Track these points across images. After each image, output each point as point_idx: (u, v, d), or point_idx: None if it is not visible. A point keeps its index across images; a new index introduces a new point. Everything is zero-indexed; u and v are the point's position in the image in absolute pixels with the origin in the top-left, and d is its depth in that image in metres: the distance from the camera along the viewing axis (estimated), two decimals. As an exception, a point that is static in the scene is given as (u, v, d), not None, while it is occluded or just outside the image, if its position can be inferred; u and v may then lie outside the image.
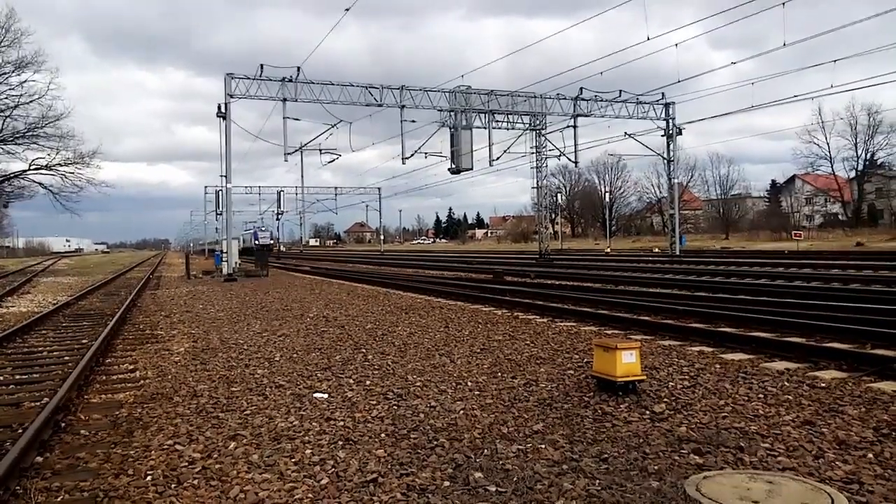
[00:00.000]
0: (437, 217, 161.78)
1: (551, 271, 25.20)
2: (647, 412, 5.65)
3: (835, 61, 22.76)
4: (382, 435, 5.24)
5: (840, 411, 5.49)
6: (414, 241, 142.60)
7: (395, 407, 6.06)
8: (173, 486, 4.29)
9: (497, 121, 34.27)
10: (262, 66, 28.50)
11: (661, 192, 77.20)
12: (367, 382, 7.09)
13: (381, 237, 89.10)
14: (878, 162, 67.27)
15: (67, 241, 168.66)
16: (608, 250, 49.80)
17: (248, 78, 28.62)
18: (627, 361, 6.10)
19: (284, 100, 29.26)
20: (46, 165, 37.39)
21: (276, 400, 6.44)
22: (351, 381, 7.20)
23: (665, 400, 6.00)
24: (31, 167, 37.64)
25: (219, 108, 28.18)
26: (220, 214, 38.06)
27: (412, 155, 32.36)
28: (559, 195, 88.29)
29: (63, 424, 5.73)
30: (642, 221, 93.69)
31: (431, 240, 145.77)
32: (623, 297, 14.30)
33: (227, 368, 8.12)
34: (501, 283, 20.52)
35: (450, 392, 6.57)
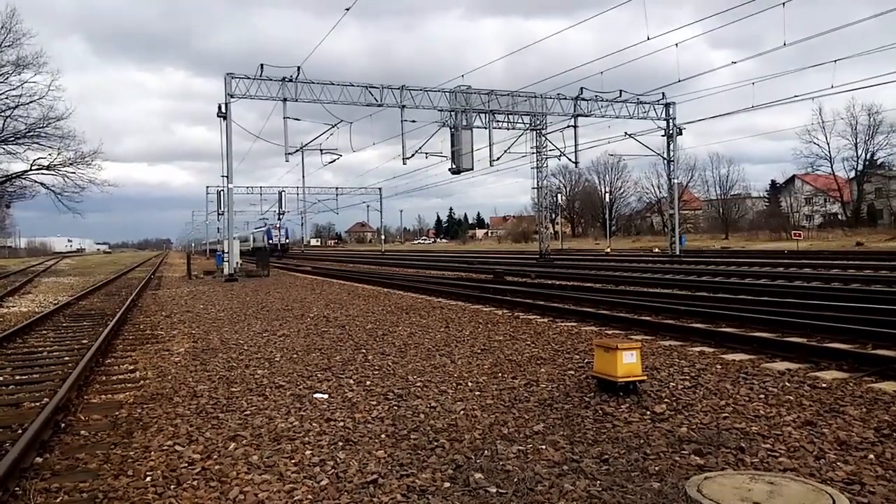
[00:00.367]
0: (438, 217, 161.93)
1: (552, 271, 25.18)
2: (648, 413, 5.64)
3: (835, 61, 22.76)
4: (383, 436, 5.23)
5: (841, 412, 5.48)
6: (415, 241, 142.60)
7: (396, 407, 6.05)
8: (173, 487, 4.28)
9: (497, 121, 34.25)
10: (262, 65, 28.52)
11: (660, 193, 77.23)
12: (368, 383, 7.08)
13: (382, 237, 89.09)
14: (878, 162, 67.25)
15: (69, 241, 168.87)
16: (608, 250, 49.77)
17: (249, 78, 28.62)
18: (628, 362, 6.09)
19: (285, 100, 29.24)
20: (48, 166, 37.34)
21: (277, 400, 6.43)
22: (351, 381, 7.19)
23: (666, 400, 5.99)
24: (33, 167, 37.60)
25: (219, 107, 28.18)
26: (222, 214, 38.08)
27: (413, 155, 32.38)
28: (559, 195, 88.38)
29: (63, 425, 5.73)
30: (642, 221, 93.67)
31: (432, 240, 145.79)
32: (623, 297, 14.29)
33: (228, 369, 8.12)
34: (502, 283, 20.50)
35: (450, 392, 6.56)
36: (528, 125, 36.19)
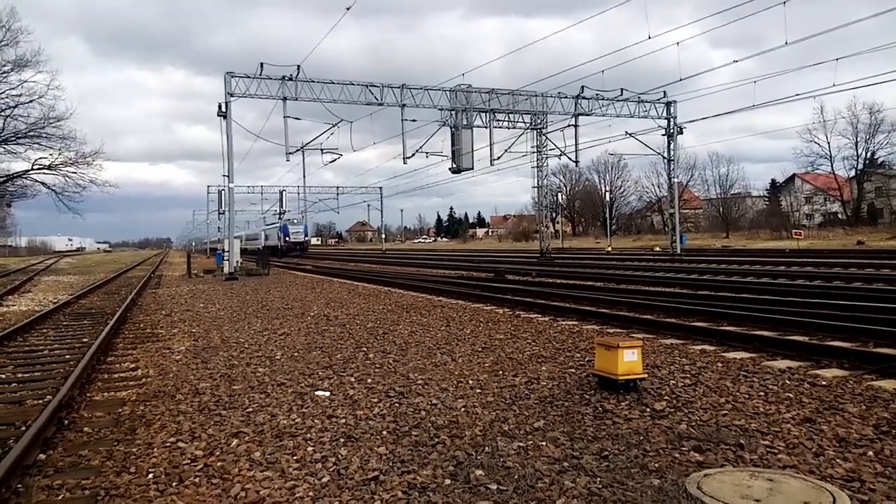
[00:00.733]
0: (439, 216, 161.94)
1: (552, 270, 25.19)
2: (649, 410, 5.65)
3: (836, 60, 22.78)
4: (384, 432, 5.24)
5: (841, 409, 5.50)
6: (415, 241, 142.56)
7: (397, 405, 6.07)
8: (175, 483, 4.30)
9: (498, 120, 34.23)
10: (262, 64, 28.51)
11: (661, 192, 77.17)
12: (369, 380, 7.10)
13: (383, 236, 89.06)
14: (879, 161, 67.17)
15: (70, 240, 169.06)
16: (609, 249, 49.76)
17: (249, 77, 28.61)
18: (629, 360, 6.11)
19: (285, 98, 29.23)
20: (49, 165, 37.36)
21: (278, 398, 6.45)
22: (352, 379, 7.21)
23: (666, 398, 6.00)
24: (34, 167, 37.63)
25: (219, 107, 28.17)
26: (223, 214, 38.07)
27: (413, 154, 32.38)
28: (560, 194, 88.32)
29: (66, 422, 5.75)
30: (643, 220, 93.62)
31: (433, 239, 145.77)
32: (624, 296, 14.30)
33: (229, 367, 8.13)
34: (503, 281, 20.51)
35: (451, 390, 6.58)
36: (528, 124, 36.19)
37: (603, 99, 34.28)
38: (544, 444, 4.89)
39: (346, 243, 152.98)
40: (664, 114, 36.48)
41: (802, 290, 14.82)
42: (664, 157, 40.04)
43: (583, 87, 33.33)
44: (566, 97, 34.08)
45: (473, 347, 8.92)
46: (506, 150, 35.46)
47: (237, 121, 28.52)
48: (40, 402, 6.49)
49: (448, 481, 4.22)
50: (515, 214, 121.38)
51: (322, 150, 33.48)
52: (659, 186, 78.08)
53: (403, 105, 30.85)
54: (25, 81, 34.49)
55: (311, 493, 4.08)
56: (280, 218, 68.22)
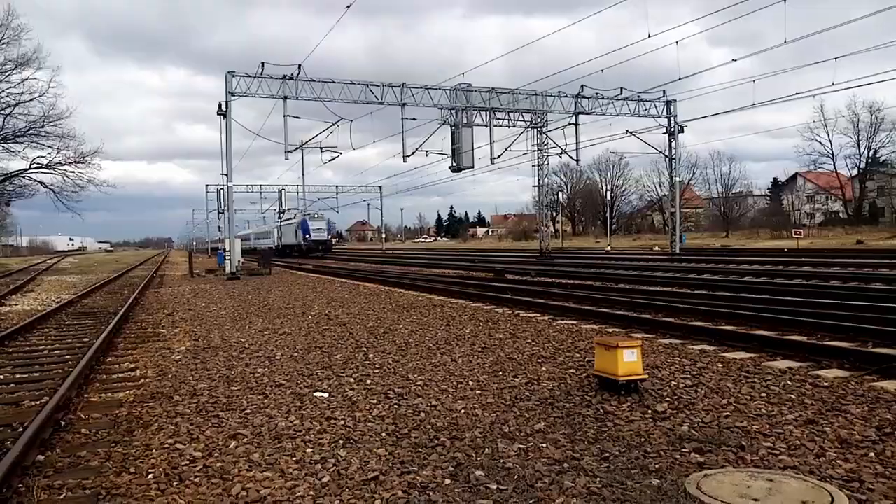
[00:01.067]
0: (439, 215, 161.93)
1: (552, 270, 25.20)
2: (649, 411, 5.65)
3: (836, 59, 22.78)
4: (383, 434, 5.24)
5: (842, 410, 5.49)
6: (416, 240, 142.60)
7: (396, 406, 6.06)
8: (175, 483, 4.30)
9: (498, 118, 34.22)
10: (262, 63, 28.48)
11: (662, 191, 77.13)
12: (368, 381, 7.09)
13: (383, 236, 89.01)
14: (881, 160, 67.16)
15: (71, 239, 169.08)
16: (609, 249, 49.77)
17: (249, 76, 28.59)
18: (629, 360, 6.10)
19: (285, 98, 29.20)
20: (47, 164, 37.40)
21: (277, 399, 6.44)
22: (352, 379, 7.20)
23: (667, 399, 5.99)
24: (33, 166, 37.66)
25: (219, 106, 28.16)
26: (223, 213, 38.07)
27: (413, 153, 32.35)
28: (560, 193, 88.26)
29: (64, 423, 5.74)
30: (643, 220, 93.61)
31: (433, 238, 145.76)
32: (624, 296, 14.30)
33: (228, 367, 8.13)
34: (502, 281, 20.51)
35: (451, 391, 6.57)
36: (528, 123, 36.16)
37: (603, 98, 34.26)
38: (544, 445, 4.88)
39: (346, 243, 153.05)
40: (664, 112, 36.46)
41: (801, 289, 14.82)
42: (665, 156, 40.04)
43: (583, 86, 33.31)
44: (566, 96, 34.05)
45: (473, 347, 8.92)
46: (506, 149, 35.47)
47: (237, 119, 28.46)
48: (38, 403, 6.48)
49: (448, 481, 4.22)
50: (516, 214, 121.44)
51: (321, 148, 33.51)
52: (660, 185, 78.08)
53: (404, 104, 30.84)
54: (26, 79, 34.56)
55: (311, 493, 4.08)
56: (280, 217, 65.39)
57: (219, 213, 49.51)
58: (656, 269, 23.71)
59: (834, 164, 67.26)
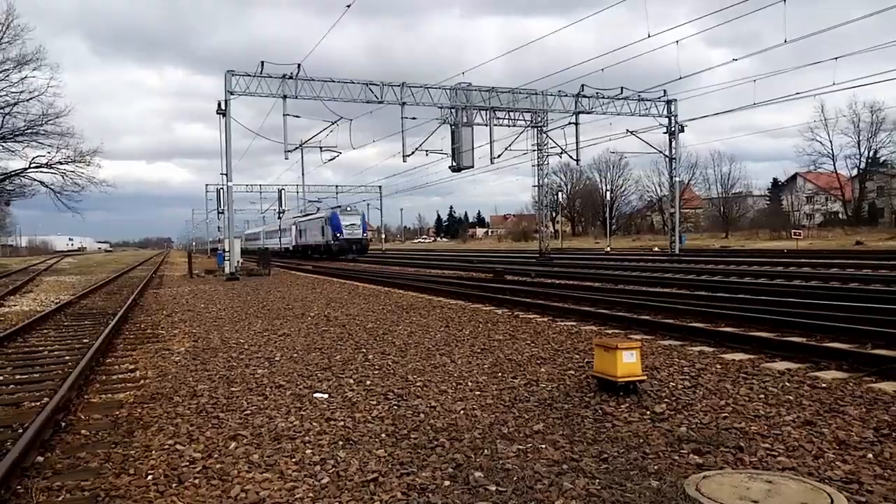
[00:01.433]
0: (438, 216, 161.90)
1: (552, 270, 25.20)
2: (648, 412, 5.65)
3: (836, 59, 22.80)
4: (383, 435, 5.25)
5: (841, 411, 5.49)
6: (415, 240, 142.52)
7: (396, 407, 6.07)
8: (174, 485, 4.30)
9: (498, 118, 34.23)
10: (262, 62, 28.51)
11: (661, 191, 77.17)
12: (368, 382, 7.10)
13: (383, 236, 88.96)
14: (881, 160, 67.19)
15: (70, 239, 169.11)
16: (608, 249, 49.79)
17: (249, 75, 28.60)
18: (628, 361, 6.10)
19: (285, 97, 29.20)
20: (47, 164, 37.44)
21: (277, 400, 6.45)
22: (351, 381, 7.21)
23: (666, 400, 6.00)
24: (32, 165, 37.68)
25: (219, 105, 28.17)
26: (222, 213, 38.04)
27: (413, 152, 32.38)
28: (560, 193, 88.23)
29: (63, 424, 5.74)
30: (643, 220, 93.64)
31: (432, 238, 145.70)
32: (623, 297, 14.30)
33: (228, 368, 8.13)
34: (502, 282, 20.52)
35: (450, 392, 6.58)
36: (528, 122, 36.18)
37: (603, 97, 34.27)
38: (543, 446, 4.89)
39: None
40: (664, 112, 36.48)
41: (800, 290, 14.83)
42: (665, 156, 40.06)
43: (583, 85, 33.31)
44: (566, 95, 34.05)
45: (472, 349, 8.92)
46: (506, 148, 35.49)
47: (237, 119, 28.47)
48: (38, 404, 6.49)
49: (447, 483, 4.22)
50: (515, 214, 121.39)
51: (321, 147, 33.47)
52: (660, 185, 78.15)
53: (403, 103, 30.85)
54: (25, 78, 34.57)
55: (310, 495, 4.08)
56: (279, 217, 63.32)
57: (218, 212, 49.28)
58: (656, 270, 23.73)
59: (834, 165, 67.36)
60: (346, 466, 4.54)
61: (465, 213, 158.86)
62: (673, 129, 37.11)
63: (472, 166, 34.05)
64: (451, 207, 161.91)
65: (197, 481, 4.35)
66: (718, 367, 7.30)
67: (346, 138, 43.35)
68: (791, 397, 5.98)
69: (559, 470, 4.40)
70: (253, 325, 12.23)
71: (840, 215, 70.29)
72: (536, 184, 42.42)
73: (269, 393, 6.74)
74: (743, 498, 3.42)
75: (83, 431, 5.58)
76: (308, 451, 4.88)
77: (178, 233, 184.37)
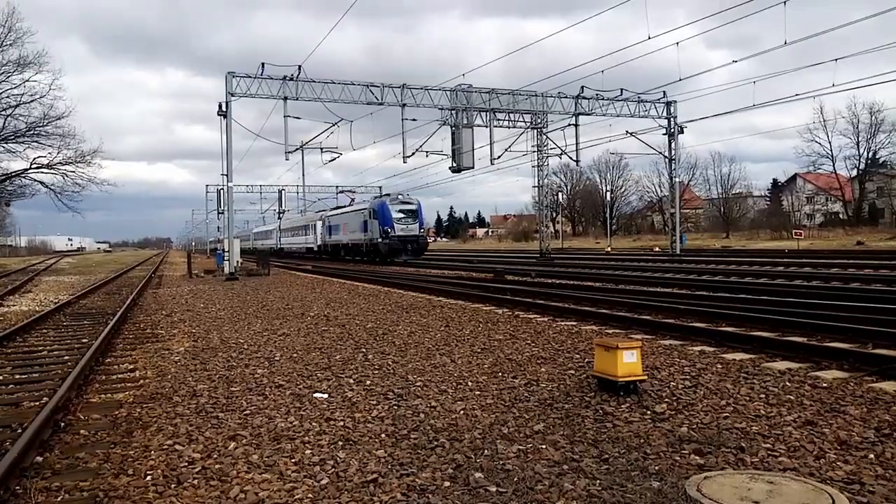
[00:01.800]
0: (438, 216, 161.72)
1: (552, 270, 25.19)
2: (649, 412, 5.64)
3: (836, 60, 22.79)
4: (383, 435, 5.23)
5: (842, 411, 5.48)
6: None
7: (396, 407, 6.05)
8: (173, 485, 4.28)
9: (498, 119, 34.22)
10: (262, 64, 28.51)
11: (661, 191, 77.12)
12: (368, 382, 7.08)
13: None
14: (881, 161, 67.16)
15: (70, 239, 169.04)
16: (608, 249, 49.77)
17: (249, 76, 28.60)
18: (628, 361, 6.09)
19: (285, 98, 29.19)
20: (48, 164, 37.42)
21: (276, 400, 6.43)
22: (351, 380, 7.19)
23: (666, 400, 5.98)
24: (33, 166, 37.67)
25: (220, 106, 28.17)
26: (223, 213, 38.02)
27: (413, 153, 32.35)
28: (560, 194, 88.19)
29: (62, 424, 5.73)
30: (643, 220, 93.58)
31: (432, 238, 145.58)
32: (624, 297, 14.29)
33: (227, 368, 8.12)
34: (502, 282, 20.50)
35: (450, 392, 6.56)
36: (528, 123, 36.17)
37: (603, 99, 34.27)
38: (544, 446, 4.87)
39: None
40: (664, 113, 36.48)
41: (800, 290, 14.81)
42: (665, 157, 40.05)
43: (583, 87, 33.31)
44: (566, 97, 34.05)
45: (473, 348, 8.91)
46: (506, 150, 35.48)
47: (237, 120, 28.47)
48: (37, 403, 6.47)
49: (447, 483, 4.21)
50: (515, 214, 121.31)
51: (322, 148, 33.46)
52: (660, 186, 78.09)
53: (404, 104, 30.83)
54: (27, 80, 34.58)
55: (310, 495, 4.06)
56: (280, 217, 61.25)
57: (218, 213, 49.23)
58: (656, 270, 23.71)
59: (833, 166, 67.29)
60: (346, 467, 4.53)
61: (466, 214, 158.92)
62: (673, 130, 37.10)
63: (473, 167, 34.02)
64: (452, 208, 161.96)
65: (196, 482, 4.33)
66: (719, 366, 7.28)
67: (346, 139, 43.54)
68: (792, 397, 5.96)
69: (560, 470, 4.38)
70: (252, 324, 12.21)
71: (840, 215, 70.25)
72: (536, 184, 42.46)
73: (268, 393, 6.72)
74: (744, 498, 3.40)
75: (82, 431, 5.56)
76: (308, 452, 4.86)
77: (177, 233, 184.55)
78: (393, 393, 6.55)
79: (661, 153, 40.74)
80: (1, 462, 4.34)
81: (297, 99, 29.47)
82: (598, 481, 4.17)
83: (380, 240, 36.10)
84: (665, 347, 8.54)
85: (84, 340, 10.65)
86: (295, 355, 8.83)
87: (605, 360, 6.24)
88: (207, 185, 67.08)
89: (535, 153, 39.77)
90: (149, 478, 4.43)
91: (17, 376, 8.09)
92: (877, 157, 66.54)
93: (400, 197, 37.95)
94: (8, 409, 6.52)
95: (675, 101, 36.45)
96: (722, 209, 77.09)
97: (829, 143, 65.28)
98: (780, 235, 54.69)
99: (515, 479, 4.23)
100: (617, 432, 5.16)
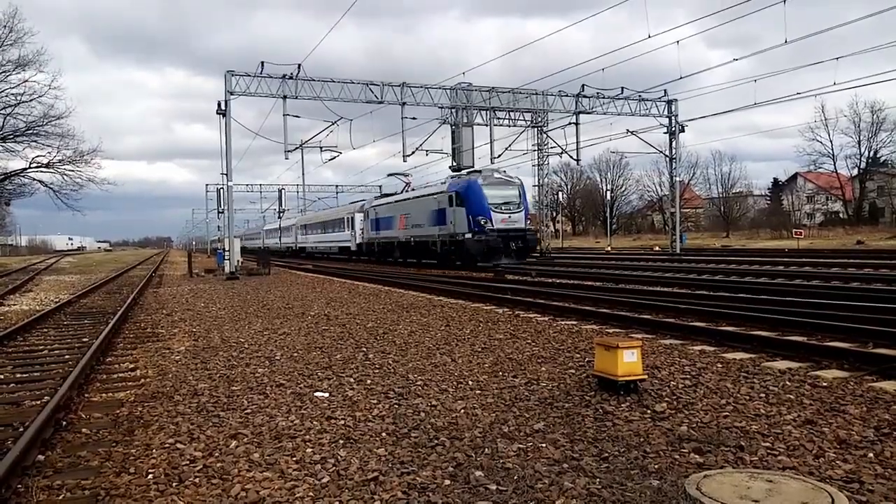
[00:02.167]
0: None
1: (552, 270, 25.19)
2: (649, 411, 5.65)
3: (837, 59, 22.79)
4: (383, 434, 5.24)
5: (841, 410, 5.49)
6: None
7: (396, 406, 6.06)
8: (175, 484, 4.30)
9: (498, 118, 34.21)
10: (262, 63, 28.49)
11: (662, 190, 77.09)
12: (368, 381, 7.09)
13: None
14: (882, 160, 67.14)
15: (70, 239, 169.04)
16: (609, 249, 49.77)
17: (249, 75, 28.58)
18: (629, 360, 6.10)
19: (285, 97, 29.17)
20: (47, 163, 37.40)
21: (277, 399, 6.44)
22: (352, 379, 7.21)
23: (666, 399, 5.99)
24: (32, 165, 37.67)
25: (219, 105, 28.16)
26: (223, 212, 38.04)
27: (413, 152, 32.34)
28: (560, 193, 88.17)
29: (64, 423, 5.74)
30: (643, 220, 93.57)
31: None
32: (624, 296, 14.29)
33: (228, 367, 8.13)
34: (502, 281, 20.51)
35: (451, 391, 6.58)
36: (529, 122, 36.17)
37: (603, 97, 34.24)
38: (544, 445, 4.88)
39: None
40: (665, 112, 36.45)
41: (800, 289, 14.82)
42: (666, 156, 40.04)
43: (583, 85, 33.27)
44: (567, 95, 34.01)
45: (473, 348, 8.92)
46: (506, 148, 35.46)
47: (236, 119, 28.48)
48: (38, 402, 6.48)
49: (448, 482, 4.22)
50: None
51: (321, 147, 33.45)
52: (660, 185, 78.06)
53: (403, 103, 30.81)
54: (27, 80, 34.56)
55: (311, 494, 4.08)
56: (279, 217, 60.49)
57: (219, 212, 49.15)
58: (657, 270, 23.71)
59: (834, 165, 67.27)
60: (347, 465, 4.54)
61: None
62: (673, 129, 37.07)
63: (473, 166, 34.03)
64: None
65: (197, 480, 4.35)
66: (719, 366, 7.29)
67: (346, 138, 43.51)
68: (792, 396, 5.97)
69: (560, 469, 4.40)
70: (253, 324, 12.22)
71: (841, 215, 70.22)
72: (537, 183, 42.39)
73: (269, 392, 6.74)
74: (744, 497, 3.41)
75: (84, 430, 5.57)
76: (308, 450, 4.87)
77: (178, 232, 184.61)
78: (393, 392, 6.57)
79: (661, 152, 40.74)
80: (3, 461, 4.35)
81: (296, 98, 29.46)
82: (598, 480, 4.19)
83: (468, 236, 26.26)
84: (665, 347, 8.55)
85: (85, 339, 10.67)
86: (295, 354, 8.84)
87: (605, 359, 6.25)
88: (207, 185, 67.15)
89: (536, 152, 39.75)
90: (150, 476, 4.44)
91: (19, 375, 8.10)
92: (878, 156, 66.58)
93: (495, 174, 27.53)
94: (9, 407, 6.53)
95: (676, 100, 36.43)
96: (722, 208, 77.07)
97: (830, 141, 65.33)
98: (781, 235, 54.68)
99: (515, 478, 4.25)
100: (617, 431, 5.17)
